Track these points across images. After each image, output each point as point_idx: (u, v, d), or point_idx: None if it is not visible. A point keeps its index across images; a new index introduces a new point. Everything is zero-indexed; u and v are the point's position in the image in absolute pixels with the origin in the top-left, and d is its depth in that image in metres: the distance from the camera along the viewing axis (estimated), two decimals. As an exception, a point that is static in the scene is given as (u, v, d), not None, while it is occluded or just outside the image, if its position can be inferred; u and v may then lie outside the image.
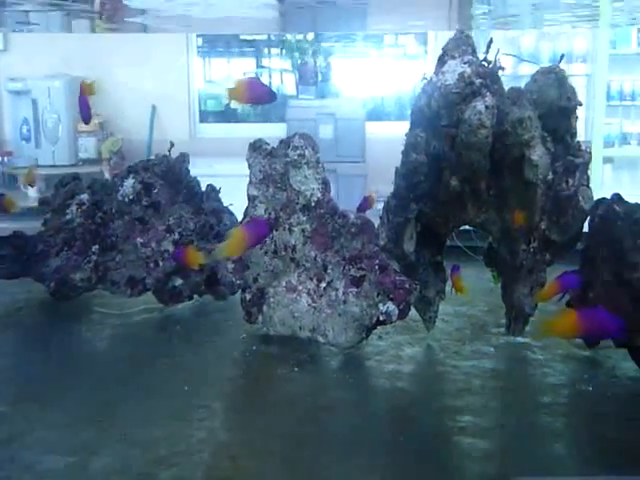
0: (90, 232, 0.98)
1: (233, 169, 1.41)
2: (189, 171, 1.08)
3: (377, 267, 0.82)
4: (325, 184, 0.87)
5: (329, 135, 3.41)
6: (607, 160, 3.58)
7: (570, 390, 0.73)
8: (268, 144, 0.88)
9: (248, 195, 0.88)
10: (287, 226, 0.86)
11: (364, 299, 0.82)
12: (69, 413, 0.68)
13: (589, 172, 0.82)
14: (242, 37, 3.88)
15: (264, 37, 3.84)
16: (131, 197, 1.02)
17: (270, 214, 0.86)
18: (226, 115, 3.83)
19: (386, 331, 0.89)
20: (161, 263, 0.97)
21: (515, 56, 0.90)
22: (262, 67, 3.83)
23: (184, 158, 1.09)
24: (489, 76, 0.79)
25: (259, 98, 0.80)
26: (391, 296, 0.81)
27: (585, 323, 0.64)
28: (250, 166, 0.88)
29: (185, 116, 3.61)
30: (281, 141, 0.87)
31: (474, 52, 0.82)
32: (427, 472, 0.59)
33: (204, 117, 3.75)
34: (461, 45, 0.81)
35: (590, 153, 0.81)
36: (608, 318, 0.65)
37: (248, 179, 0.88)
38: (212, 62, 3.82)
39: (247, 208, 0.89)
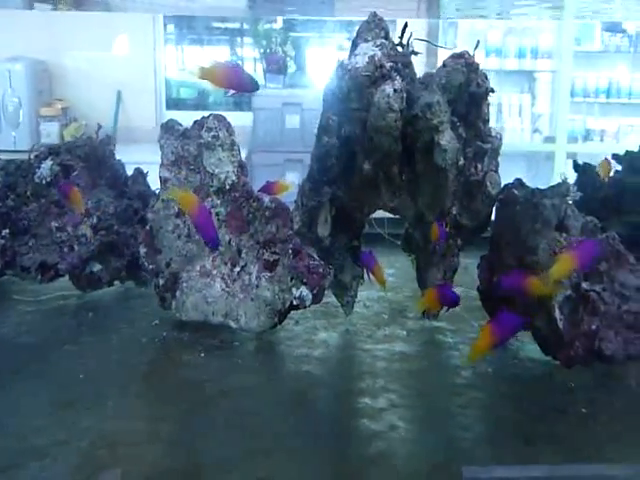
0: (0, 215, 0.94)
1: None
2: (114, 154, 1.05)
3: (291, 251, 0.81)
4: (241, 167, 0.85)
5: (296, 125, 3.38)
6: (571, 156, 3.67)
7: (471, 372, 0.75)
8: (181, 125, 0.86)
9: (160, 177, 0.86)
10: (201, 209, 0.84)
11: (277, 283, 0.81)
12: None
13: (499, 158, 0.82)
14: (214, 24, 3.80)
15: (236, 25, 3.77)
16: (48, 179, 0.98)
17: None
18: (196, 103, 3.75)
19: (305, 316, 0.89)
20: (77, 248, 0.94)
21: (428, 41, 0.90)
22: (234, 55, 3.77)
23: (109, 141, 1.05)
24: (400, 60, 0.78)
25: (239, 84, 0.71)
26: (305, 280, 0.80)
27: (497, 334, 0.66)
28: (162, 147, 0.85)
29: (151, 103, 3.52)
30: (195, 122, 0.85)
31: (387, 36, 0.81)
32: (313, 453, 0.59)
33: (172, 104, 3.67)
34: (374, 28, 0.81)
35: (500, 139, 0.82)
36: (513, 319, 0.67)
37: (160, 161, 0.86)
38: (183, 50, 3.73)
39: (160, 191, 0.87)
